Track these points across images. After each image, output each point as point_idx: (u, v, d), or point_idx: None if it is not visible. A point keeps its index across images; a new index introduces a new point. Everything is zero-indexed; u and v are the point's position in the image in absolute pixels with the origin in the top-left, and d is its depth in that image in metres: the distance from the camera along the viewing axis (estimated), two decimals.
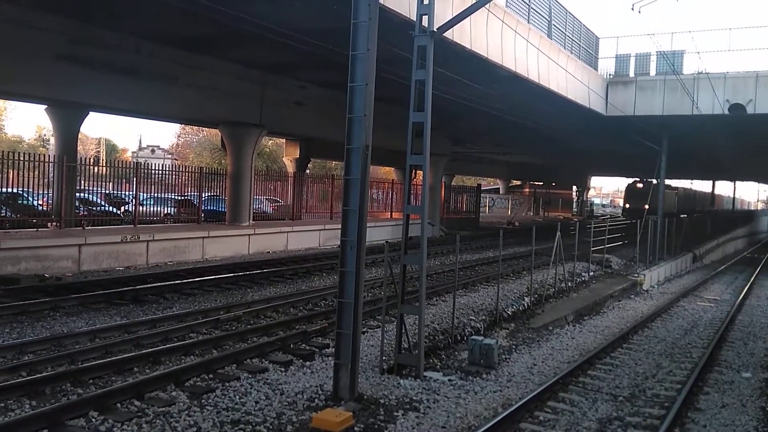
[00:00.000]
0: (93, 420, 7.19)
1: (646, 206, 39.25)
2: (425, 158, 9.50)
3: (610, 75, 28.07)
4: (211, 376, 9.02)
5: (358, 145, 8.15)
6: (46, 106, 22.24)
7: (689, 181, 63.99)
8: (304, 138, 33.46)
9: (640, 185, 48.85)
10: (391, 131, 18.03)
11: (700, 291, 23.37)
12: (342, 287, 8.26)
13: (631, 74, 27.85)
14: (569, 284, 19.02)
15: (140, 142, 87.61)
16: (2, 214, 19.47)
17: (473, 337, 11.24)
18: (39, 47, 17.52)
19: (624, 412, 8.88)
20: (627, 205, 52.47)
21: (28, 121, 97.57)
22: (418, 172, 11.74)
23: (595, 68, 27.68)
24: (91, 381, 8.50)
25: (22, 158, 20.05)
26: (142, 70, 19.97)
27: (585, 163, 59.37)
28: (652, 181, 40.12)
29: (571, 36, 25.20)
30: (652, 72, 27.44)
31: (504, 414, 8.01)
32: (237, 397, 8.18)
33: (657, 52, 26.28)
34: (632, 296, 20.37)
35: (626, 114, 26.21)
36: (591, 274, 21.75)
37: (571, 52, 24.77)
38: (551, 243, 18.19)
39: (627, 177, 54.40)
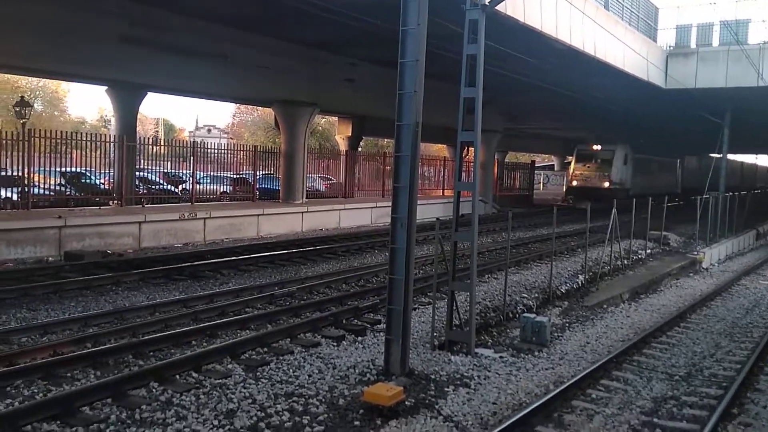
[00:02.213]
0: (153, 390, 7.46)
1: (609, 183, 35.00)
2: (476, 134, 9.42)
3: (670, 47, 27.17)
4: (265, 349, 9.23)
5: (408, 122, 8.14)
6: (106, 88, 22.88)
7: (754, 155, 61.02)
8: (356, 116, 33.53)
9: (597, 149, 37.13)
10: (443, 108, 17.88)
11: (764, 269, 22.62)
12: (393, 264, 8.32)
13: (693, 45, 26.90)
14: (625, 262, 18.67)
15: (197, 122, 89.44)
16: (67, 193, 20.20)
17: (525, 314, 11.18)
18: (100, 30, 17.97)
19: (680, 391, 8.73)
20: (574, 183, 37.38)
21: (90, 103, 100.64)
22: (470, 148, 11.69)
23: (654, 40, 26.83)
24: (151, 353, 8.81)
25: (84, 138, 20.72)
26: (198, 51, 20.27)
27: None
28: (616, 147, 35.40)
29: (629, 7, 24.46)
30: (715, 43, 26.43)
31: (556, 391, 7.98)
32: (291, 370, 8.36)
33: (720, 21, 25.29)
34: (691, 274, 19.87)
35: (687, 87, 25.36)
36: (648, 251, 21.29)
37: (629, 24, 24.05)
38: (606, 220, 17.86)
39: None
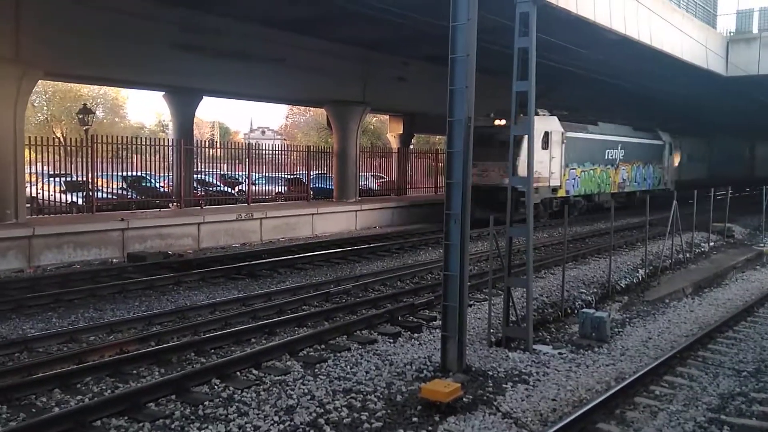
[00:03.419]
0: (215, 387, 7.64)
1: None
2: (530, 129, 9.31)
3: (730, 33, 26.29)
4: (323, 346, 9.33)
5: (460, 117, 8.10)
6: (164, 93, 23.48)
7: None
8: (407, 113, 33.57)
9: (501, 124, 21.72)
10: (493, 102, 17.77)
11: None
12: (447, 260, 8.29)
13: (755, 30, 25.95)
14: (687, 255, 18.16)
15: (251, 124, 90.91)
16: (129, 196, 20.82)
17: (584, 310, 10.99)
18: (157, 37, 18.48)
19: (748, 387, 8.44)
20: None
21: (148, 109, 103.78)
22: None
23: (714, 26, 26.01)
24: (212, 350, 9.01)
25: (144, 143, 21.32)
26: (251, 54, 20.64)
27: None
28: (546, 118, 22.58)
29: None
30: None
31: (618, 387, 7.82)
32: (348, 367, 8.43)
33: None
34: (758, 267, 19.17)
35: (749, 73, 24.49)
36: (711, 244, 20.65)
37: (687, 11, 23.36)
38: (666, 213, 17.40)
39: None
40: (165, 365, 8.35)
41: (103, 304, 11.47)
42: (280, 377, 8.00)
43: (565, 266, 12.63)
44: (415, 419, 6.91)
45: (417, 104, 28.94)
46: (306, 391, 7.53)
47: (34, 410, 6.86)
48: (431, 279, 14.24)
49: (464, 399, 7.38)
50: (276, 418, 6.74)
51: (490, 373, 8.38)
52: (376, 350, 9.16)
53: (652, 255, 16.50)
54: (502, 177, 21.40)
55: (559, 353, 9.42)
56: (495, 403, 7.40)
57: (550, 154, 23.47)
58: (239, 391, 7.48)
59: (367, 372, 8.25)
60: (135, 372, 8.05)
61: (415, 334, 10.07)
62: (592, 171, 26.91)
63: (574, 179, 25.77)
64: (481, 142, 21.19)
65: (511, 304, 9.62)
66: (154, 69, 19.78)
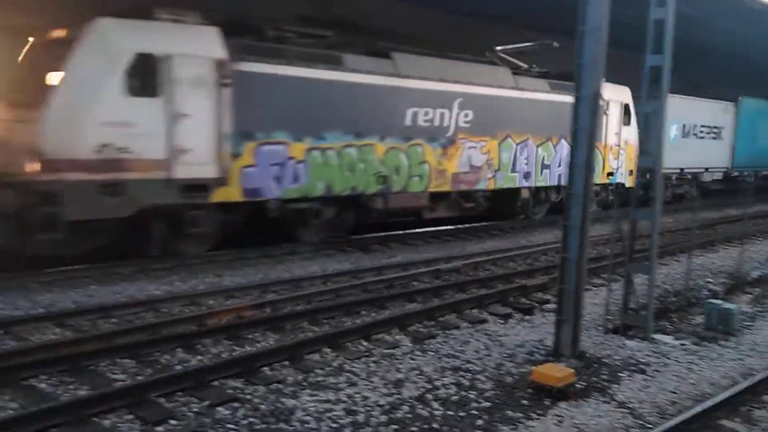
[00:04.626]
0: (326, 355, 7.79)
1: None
2: (663, 104, 8.76)
3: None
4: (432, 323, 9.29)
5: (587, 93, 7.74)
6: None
7: None
8: None
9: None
10: (621, 75, 17.06)
11: None
12: (566, 242, 7.99)
13: None
14: None
15: None
16: None
17: (710, 300, 10.34)
18: None
19: None
20: None
21: None
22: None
23: None
24: (324, 320, 9.19)
25: None
26: None
27: None
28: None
29: None
30: None
31: (745, 384, 7.30)
32: (457, 345, 8.35)
33: None
34: None
35: None
36: None
37: None
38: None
39: None
40: (279, 332, 8.59)
41: (221, 270, 11.97)
42: (388, 350, 8.04)
43: (692, 253, 11.92)
44: (524, 402, 6.75)
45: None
46: (414, 366, 7.53)
47: (158, 366, 7.26)
48: (545, 261, 13.86)
49: (577, 385, 7.13)
50: (384, 390, 6.78)
51: (605, 360, 8.04)
52: (486, 330, 9.03)
53: None
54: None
55: (681, 344, 8.91)
56: (609, 392, 7.11)
57: None
58: (349, 362, 7.58)
59: (476, 351, 8.14)
60: (250, 337, 8.34)
61: (527, 317, 9.84)
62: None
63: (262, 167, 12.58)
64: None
65: (630, 290, 9.18)
66: None
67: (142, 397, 6.22)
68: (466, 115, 15.91)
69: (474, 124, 16.13)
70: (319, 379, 7.06)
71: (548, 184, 18.65)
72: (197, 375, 6.73)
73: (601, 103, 18.32)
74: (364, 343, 8.29)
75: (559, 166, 18.49)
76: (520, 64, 18.27)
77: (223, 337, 8.19)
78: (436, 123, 15.38)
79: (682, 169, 24.79)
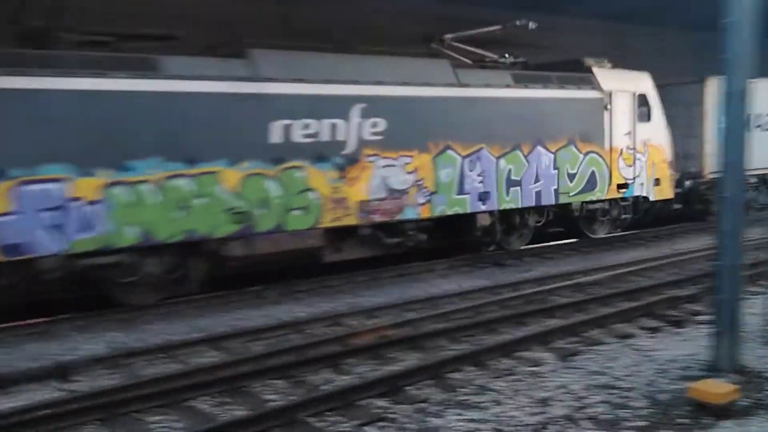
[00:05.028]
0: (468, 374, 7.76)
1: None
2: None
3: None
4: (575, 338, 9.03)
5: (735, 89, 7.25)
6: None
7: None
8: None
9: None
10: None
11: None
12: (720, 249, 7.51)
13: None
14: None
15: None
16: None
17: None
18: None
19: None
20: None
21: None
22: None
23: None
24: (463, 338, 9.17)
25: None
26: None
27: None
28: None
29: None
30: None
31: None
32: (604, 361, 8.05)
33: None
34: None
35: None
36: None
37: None
38: None
39: None
40: (420, 350, 8.67)
41: (361, 291, 12.26)
42: (531, 368, 7.89)
43: None
44: (682, 420, 6.38)
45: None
46: (560, 383, 7.33)
47: (307, 387, 7.53)
48: (693, 269, 13.08)
49: (740, 402, 6.66)
50: (531, 409, 6.65)
51: None
52: (634, 345, 8.65)
53: None
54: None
55: None
56: None
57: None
58: (492, 380, 7.51)
59: (624, 367, 7.80)
60: (392, 356, 8.47)
61: (678, 329, 9.33)
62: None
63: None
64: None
65: None
66: None
67: (293, 417, 6.47)
68: (374, 125, 12.15)
69: (389, 136, 12.30)
70: (463, 398, 7.04)
71: (521, 206, 14.32)
72: (344, 395, 6.92)
73: (590, 95, 15.28)
74: (506, 361, 8.19)
75: (537, 181, 14.51)
76: (489, 55, 14.92)
77: (366, 356, 8.37)
78: (325, 138, 11.72)
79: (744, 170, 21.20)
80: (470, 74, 13.72)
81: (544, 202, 14.68)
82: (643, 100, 16.21)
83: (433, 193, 12.99)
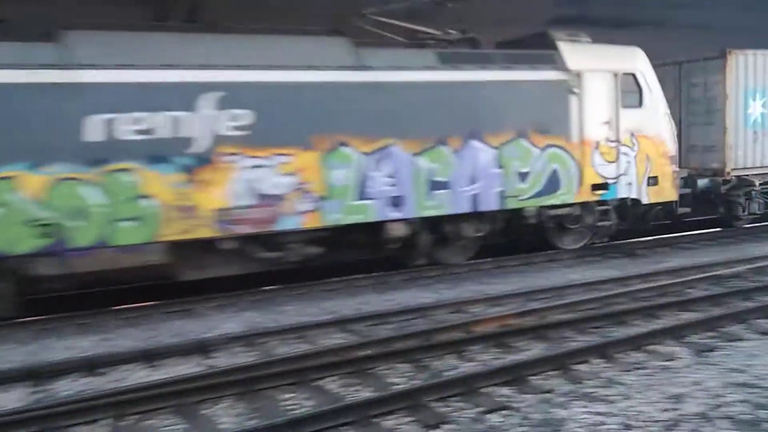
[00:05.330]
0: (595, 366, 7.57)
1: None
2: None
3: None
4: (712, 334, 8.57)
5: None
6: None
7: None
8: None
9: None
10: None
11: None
12: None
13: None
14: None
15: None
16: None
17: None
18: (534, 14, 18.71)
19: None
20: None
21: None
22: None
23: None
24: (590, 329, 8.95)
25: None
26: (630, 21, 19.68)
27: None
28: None
29: None
30: None
31: None
32: (743, 358, 7.60)
33: None
34: None
35: None
36: None
37: None
38: None
39: None
40: (544, 340, 8.56)
41: (486, 279, 12.24)
42: (663, 363, 7.59)
43: None
44: None
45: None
46: (695, 380, 7.01)
47: (431, 372, 7.65)
48: None
49: None
50: (662, 405, 6.41)
51: None
52: None
53: None
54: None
55: None
56: None
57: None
58: (621, 373, 7.30)
59: (765, 366, 7.34)
60: (516, 345, 8.41)
61: None
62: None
63: None
64: None
65: None
66: None
67: (418, 401, 6.60)
68: (235, 118, 10.32)
69: (258, 131, 10.45)
70: (590, 390, 6.89)
71: (451, 212, 12.05)
72: (468, 381, 6.97)
73: (549, 76, 12.55)
74: (636, 355, 7.91)
75: (474, 182, 12.09)
76: (426, 30, 12.61)
77: (490, 344, 8.37)
78: (163, 134, 9.95)
79: None
80: (377, 55, 11.42)
81: (484, 207, 12.20)
82: (630, 82, 13.31)
83: (322, 198, 10.97)
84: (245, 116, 10.37)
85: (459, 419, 6.32)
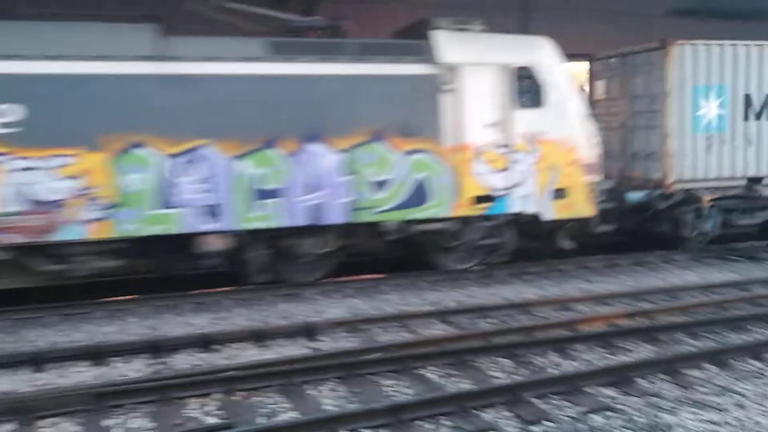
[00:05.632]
0: (708, 372, 7.23)
1: None
2: None
3: None
4: None
5: None
6: None
7: None
8: None
9: None
10: None
11: None
12: None
13: None
14: None
15: None
16: None
17: None
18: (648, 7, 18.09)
19: None
20: None
21: None
22: None
23: None
24: (703, 334, 8.54)
25: None
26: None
27: None
28: None
29: None
30: None
31: None
32: None
33: None
34: None
35: None
36: None
37: None
38: None
39: None
40: (653, 342, 8.25)
41: (594, 277, 11.91)
42: None
43: None
44: None
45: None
46: None
47: (533, 368, 7.54)
48: None
49: None
50: None
51: None
52: None
53: None
54: None
55: None
56: None
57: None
58: (736, 381, 6.94)
59: None
60: (623, 345, 8.15)
61: None
62: None
63: None
64: None
65: None
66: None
67: (518, 396, 6.53)
68: (0, 113, 9.21)
69: (28, 129, 9.26)
70: (701, 396, 6.60)
71: (284, 224, 10.53)
72: (571, 380, 6.84)
73: (412, 71, 10.77)
74: (755, 363, 7.49)
75: (313, 191, 10.55)
76: (284, 17, 11.34)
77: (595, 343, 8.16)
78: None
79: (750, 180, 13.49)
80: (191, 44, 10.08)
81: (328, 220, 10.66)
82: (528, 77, 11.37)
83: (114, 206, 9.71)
84: (11, 112, 9.26)
85: (560, 418, 6.22)
